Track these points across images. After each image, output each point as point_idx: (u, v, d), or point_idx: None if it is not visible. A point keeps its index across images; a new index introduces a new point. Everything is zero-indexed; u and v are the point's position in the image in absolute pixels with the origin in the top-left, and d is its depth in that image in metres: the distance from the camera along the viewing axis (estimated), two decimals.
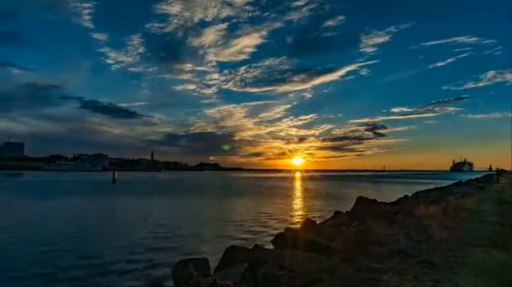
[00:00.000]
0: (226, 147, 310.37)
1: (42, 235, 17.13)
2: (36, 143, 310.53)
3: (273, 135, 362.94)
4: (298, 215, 25.89)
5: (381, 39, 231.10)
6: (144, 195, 44.94)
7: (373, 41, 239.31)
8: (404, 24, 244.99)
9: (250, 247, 9.17)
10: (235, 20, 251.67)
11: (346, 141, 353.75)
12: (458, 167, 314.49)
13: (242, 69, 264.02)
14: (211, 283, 4.74)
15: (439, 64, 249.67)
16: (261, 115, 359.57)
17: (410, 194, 27.85)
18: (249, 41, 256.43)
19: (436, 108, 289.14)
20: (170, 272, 8.19)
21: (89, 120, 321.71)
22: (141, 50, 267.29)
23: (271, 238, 11.28)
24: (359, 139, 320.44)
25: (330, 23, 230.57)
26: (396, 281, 5.27)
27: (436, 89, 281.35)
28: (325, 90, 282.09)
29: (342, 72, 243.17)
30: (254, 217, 24.05)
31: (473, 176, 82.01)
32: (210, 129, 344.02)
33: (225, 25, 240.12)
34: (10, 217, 23.91)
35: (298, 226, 15.99)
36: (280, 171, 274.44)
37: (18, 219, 22.43)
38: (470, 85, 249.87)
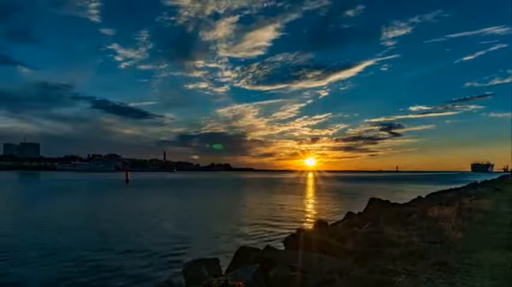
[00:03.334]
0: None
1: (59, 233, 17.46)
2: (50, 143, 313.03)
3: (286, 136, 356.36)
4: (309, 216, 25.77)
5: (402, 32, 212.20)
6: (156, 195, 45.41)
7: (394, 34, 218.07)
8: (429, 14, 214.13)
9: (262, 248, 9.16)
10: (248, 12, 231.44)
11: (360, 142, 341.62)
12: (483, 168, 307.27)
13: (255, 65, 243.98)
14: (222, 283, 4.75)
15: (467, 58, 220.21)
16: (274, 115, 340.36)
17: (424, 196, 27.44)
18: (263, 35, 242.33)
19: (456, 106, 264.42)
20: (182, 272, 8.24)
21: (101, 121, 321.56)
22: (151, 46, 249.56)
23: (283, 238, 11.25)
24: (373, 139, 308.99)
25: (349, 13, 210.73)
26: (410, 283, 5.20)
27: (459, 85, 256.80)
28: (341, 88, 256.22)
29: (359, 68, 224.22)
30: (265, 217, 24.03)
31: (490, 178, 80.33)
32: (221, 130, 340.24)
33: (238, 17, 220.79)
34: (39, 213, 24.45)
35: (310, 226, 15.93)
36: (292, 172, 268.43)
37: (43, 216, 22.98)
38: (496, 81, 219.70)
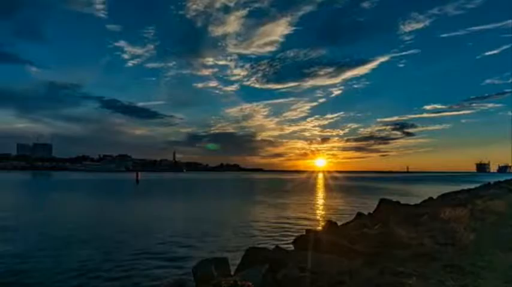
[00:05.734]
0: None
1: (73, 231, 17.70)
2: (61, 144, 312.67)
3: (296, 136, 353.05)
4: (319, 216, 25.65)
5: (420, 25, 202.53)
6: (166, 195, 45.70)
7: (411, 27, 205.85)
8: (449, 6, 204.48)
9: (271, 248, 9.16)
10: (259, 4, 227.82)
11: (371, 142, 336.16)
12: (503, 169, 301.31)
13: (265, 62, 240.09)
14: (231, 283, 4.76)
15: (490, 53, 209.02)
16: (284, 114, 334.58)
17: (435, 196, 27.09)
18: (274, 29, 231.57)
19: (473, 105, 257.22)
20: (191, 271, 8.28)
21: (110, 121, 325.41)
22: (158, 42, 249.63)
23: (292, 239, 11.22)
24: (385, 139, 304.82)
25: (365, 4, 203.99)
26: (421, 285, 5.14)
27: (478, 83, 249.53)
28: (355, 86, 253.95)
29: (374, 64, 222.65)
30: (274, 218, 23.99)
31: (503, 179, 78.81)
32: (230, 130, 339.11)
33: (249, 10, 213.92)
34: (58, 211, 24.87)
35: (319, 227, 15.86)
36: (301, 172, 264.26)
37: (59, 213, 23.35)
38: None
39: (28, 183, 78.84)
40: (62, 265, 11.97)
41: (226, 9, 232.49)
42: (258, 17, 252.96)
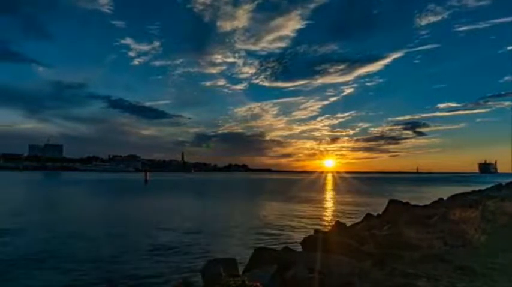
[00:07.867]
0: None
1: (79, 231, 17.90)
2: (71, 144, 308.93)
3: (305, 136, 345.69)
4: (327, 217, 25.56)
5: (438, 17, 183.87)
6: (174, 195, 45.96)
7: (428, 20, 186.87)
8: None
9: (279, 248, 9.15)
10: None
11: (381, 142, 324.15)
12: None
13: (274, 60, 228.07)
14: (240, 283, 4.78)
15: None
16: (293, 113, 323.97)
17: (445, 197, 26.78)
18: (285, 24, 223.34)
19: (489, 103, 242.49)
20: (199, 272, 8.32)
21: (118, 121, 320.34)
22: (165, 39, 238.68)
23: (300, 239, 11.20)
24: (396, 139, 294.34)
25: None
26: None
27: (496, 79, 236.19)
28: (367, 84, 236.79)
29: (387, 60, 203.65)
30: (282, 218, 23.96)
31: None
32: (239, 130, 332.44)
33: (258, 3, 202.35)
34: (72, 209, 25.21)
35: (328, 227, 15.80)
36: (310, 173, 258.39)
37: (74, 212, 23.67)
38: None
39: (44, 183, 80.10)
40: (68, 262, 12.11)
41: (235, 2, 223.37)
42: (268, 11, 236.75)
